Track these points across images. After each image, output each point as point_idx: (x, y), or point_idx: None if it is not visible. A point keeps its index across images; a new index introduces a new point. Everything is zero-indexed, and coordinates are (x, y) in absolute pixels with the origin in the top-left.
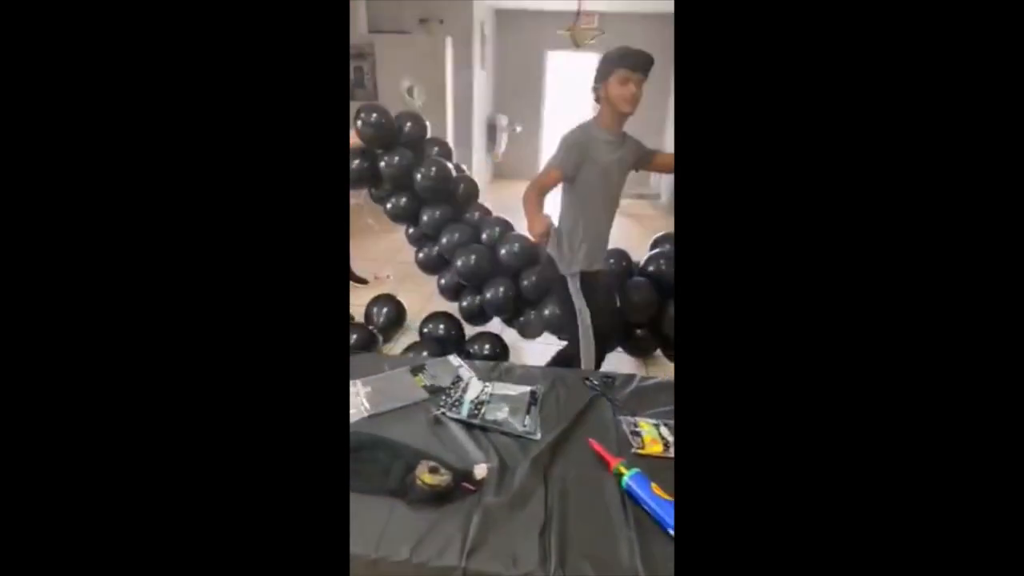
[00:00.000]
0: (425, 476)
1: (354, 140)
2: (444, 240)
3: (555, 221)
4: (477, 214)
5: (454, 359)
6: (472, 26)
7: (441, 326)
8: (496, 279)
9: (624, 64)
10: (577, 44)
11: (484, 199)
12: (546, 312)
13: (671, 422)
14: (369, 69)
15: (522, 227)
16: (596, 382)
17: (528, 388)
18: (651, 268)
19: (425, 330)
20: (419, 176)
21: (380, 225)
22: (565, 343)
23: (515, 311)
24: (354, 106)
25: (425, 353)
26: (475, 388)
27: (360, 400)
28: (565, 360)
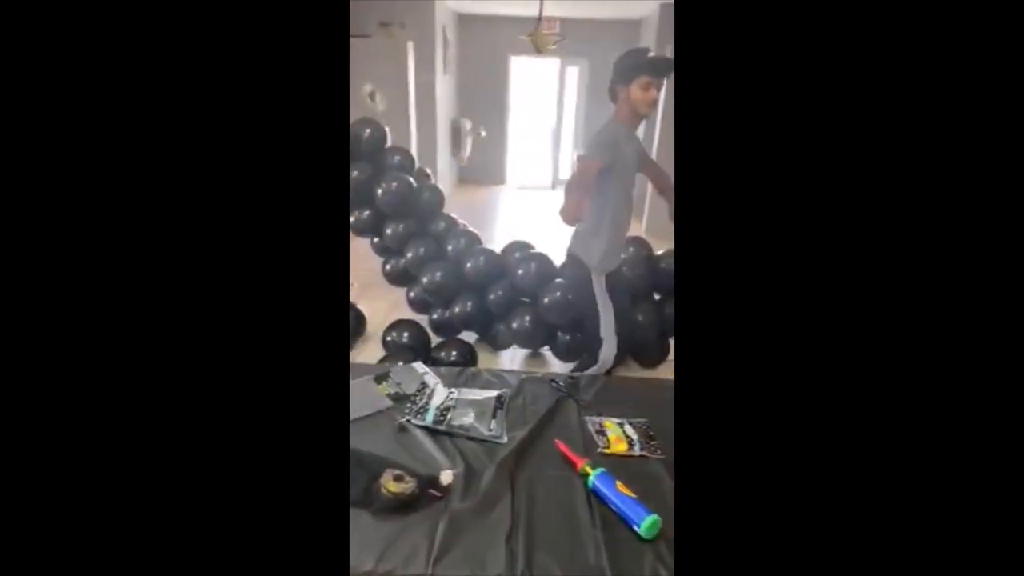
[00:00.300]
0: (389, 484)
1: None
2: (409, 255)
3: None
4: (443, 224)
5: (419, 366)
6: (434, 30)
7: (406, 334)
8: (463, 294)
9: (648, 71)
10: (539, 50)
11: (450, 204)
12: (514, 325)
13: (635, 420)
14: None
15: (487, 237)
16: (562, 384)
17: (495, 392)
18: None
19: (389, 338)
20: (380, 191)
21: None
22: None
23: (484, 325)
24: None
25: (401, 362)
26: (441, 394)
27: None
28: (586, 365)
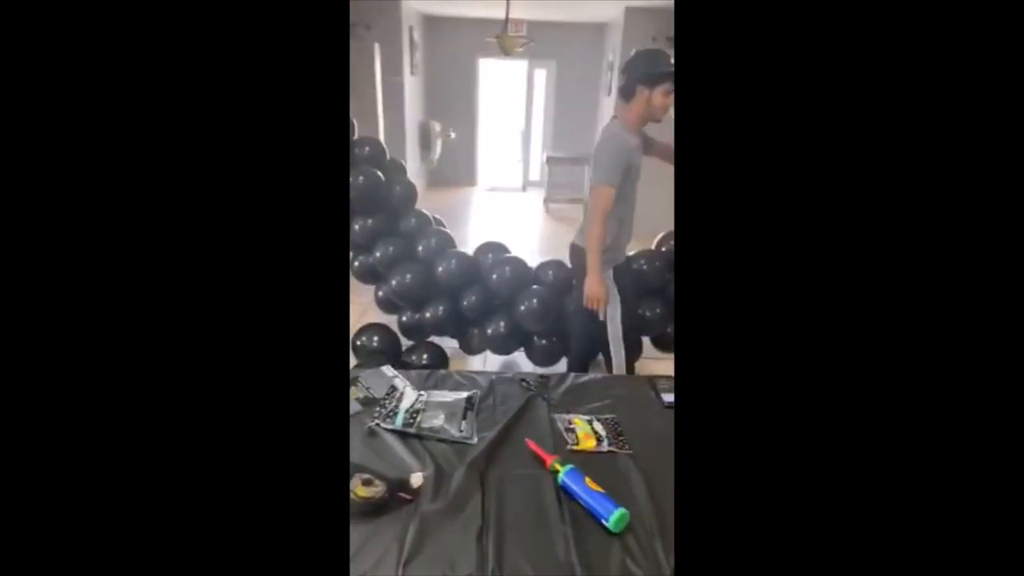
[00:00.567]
0: (358, 489)
1: None
2: (378, 254)
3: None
4: (414, 220)
5: (388, 369)
6: (400, 31)
7: (375, 338)
8: (435, 298)
9: (671, 78)
10: (506, 52)
11: (420, 206)
12: (489, 331)
13: (603, 416)
14: None
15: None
16: (532, 383)
17: (465, 394)
18: None
19: (359, 343)
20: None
21: None
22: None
23: (457, 330)
24: None
25: (388, 367)
26: (410, 397)
27: None
28: (581, 362)
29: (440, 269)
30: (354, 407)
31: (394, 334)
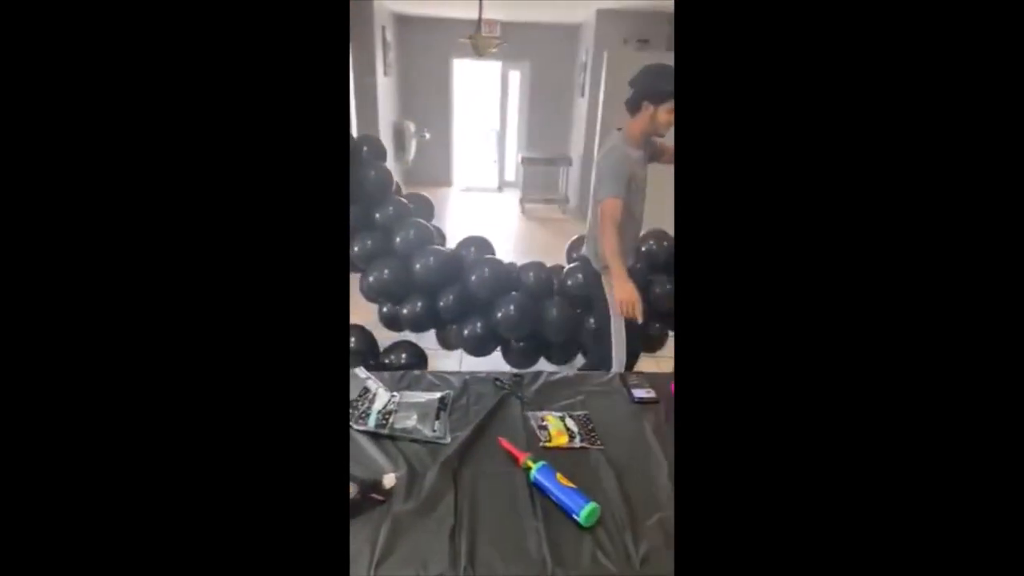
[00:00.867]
0: None
1: None
2: (356, 248)
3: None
4: (392, 209)
5: (361, 371)
6: (373, 31)
7: (351, 338)
8: (412, 296)
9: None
10: (479, 52)
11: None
12: (465, 332)
13: (576, 413)
14: None
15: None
16: (505, 382)
17: (438, 394)
18: (569, 282)
19: None
20: None
21: None
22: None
23: (435, 327)
24: None
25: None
26: (382, 398)
27: None
28: (596, 364)
29: (418, 266)
30: None
31: (371, 334)
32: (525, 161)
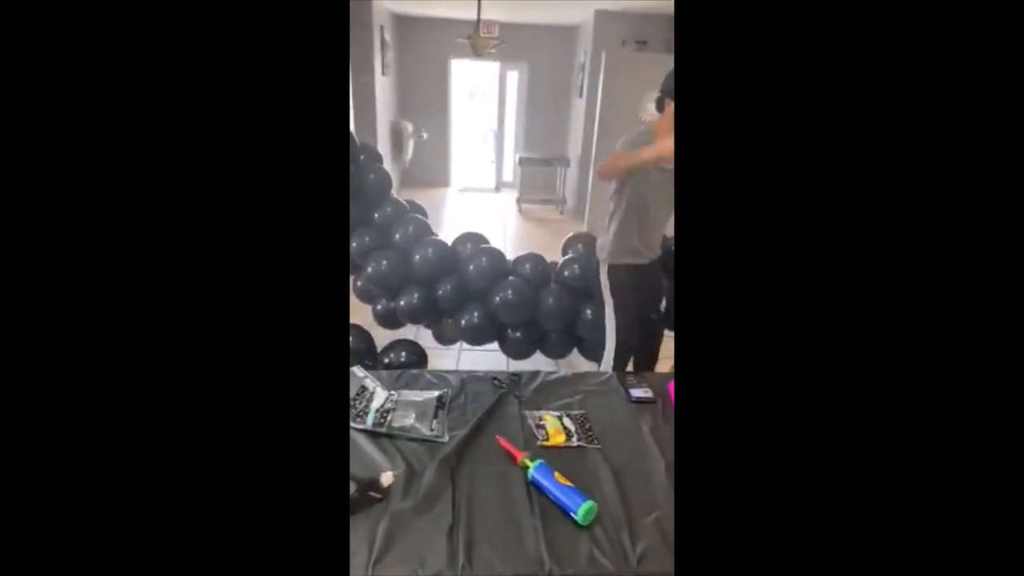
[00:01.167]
0: None
1: None
2: (354, 244)
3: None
4: (390, 209)
5: (358, 370)
6: (371, 30)
7: (350, 338)
8: (410, 286)
9: None
10: (478, 53)
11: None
12: (463, 322)
13: (573, 412)
14: None
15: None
16: (503, 381)
17: (436, 393)
18: (566, 273)
19: None
20: None
21: None
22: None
23: (432, 319)
24: None
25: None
26: (380, 397)
27: None
28: (620, 359)
29: (417, 257)
30: None
31: (368, 333)
32: (523, 161)
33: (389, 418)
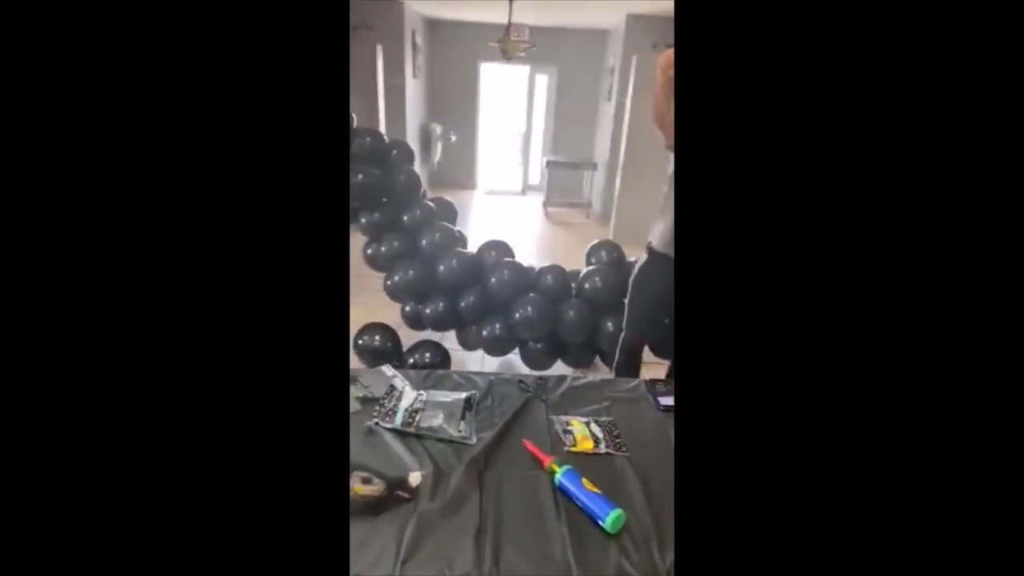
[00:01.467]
0: (357, 487)
1: None
2: (383, 248)
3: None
4: (419, 212)
5: (387, 369)
6: (403, 34)
7: (377, 337)
8: (435, 295)
9: None
10: (508, 56)
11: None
12: (485, 332)
13: (601, 419)
14: None
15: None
16: (530, 384)
17: (463, 394)
18: (587, 285)
19: (360, 342)
20: None
21: None
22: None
23: (456, 327)
24: None
25: (388, 366)
26: (409, 397)
27: None
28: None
29: (442, 267)
30: (353, 406)
31: (395, 333)
32: (550, 165)
33: (418, 418)
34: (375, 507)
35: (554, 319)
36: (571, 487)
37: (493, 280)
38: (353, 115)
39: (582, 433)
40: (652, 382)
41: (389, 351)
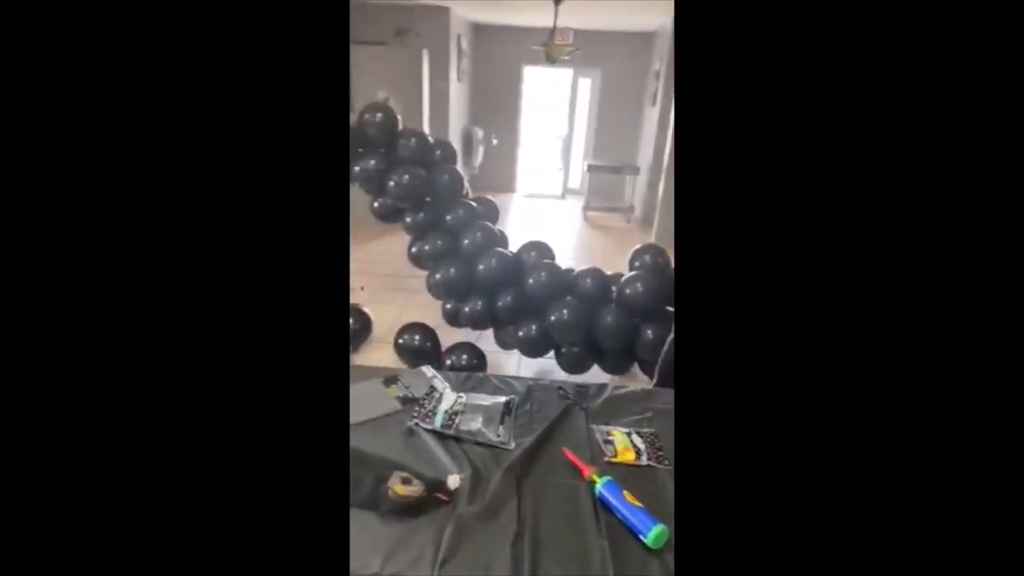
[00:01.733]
0: (397, 487)
1: None
2: (427, 247)
3: None
4: (462, 212)
5: (428, 370)
6: (449, 39)
7: (416, 337)
8: (473, 294)
9: None
10: (552, 59)
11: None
12: (520, 333)
13: (643, 430)
14: None
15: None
16: (569, 392)
17: (503, 398)
18: (627, 291)
19: (400, 341)
20: (392, 184)
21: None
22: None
23: (493, 326)
24: None
25: (428, 367)
26: (449, 399)
27: None
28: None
29: (481, 267)
30: (393, 405)
31: (435, 333)
32: (591, 169)
33: (457, 420)
34: (414, 508)
35: (591, 324)
36: (612, 499)
37: (531, 281)
38: (399, 117)
39: (623, 444)
40: None
41: (428, 351)
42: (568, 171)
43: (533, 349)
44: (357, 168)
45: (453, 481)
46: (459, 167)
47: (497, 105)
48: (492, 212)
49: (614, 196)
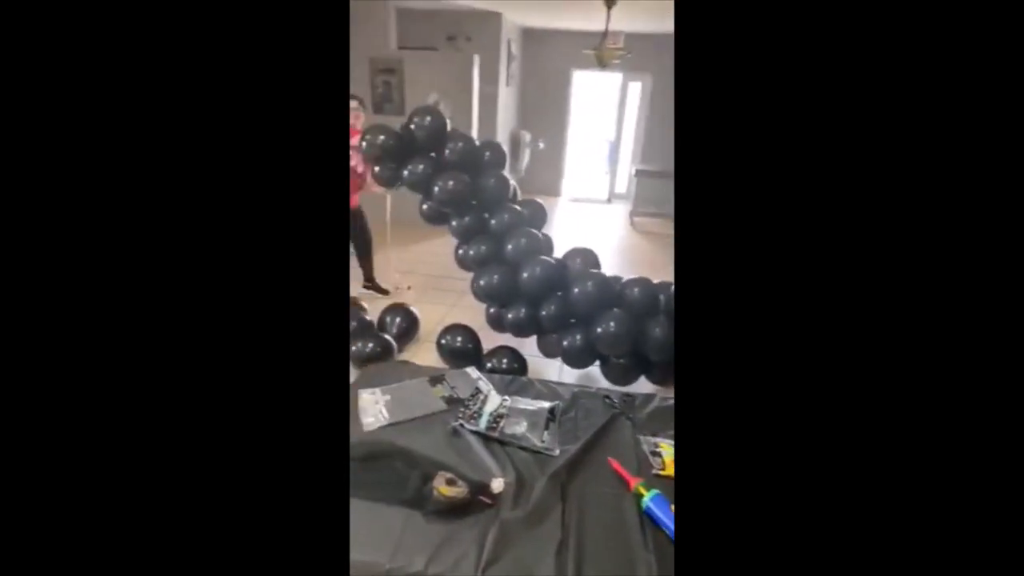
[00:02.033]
0: (442, 488)
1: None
2: (471, 252)
3: None
4: (507, 216)
5: (473, 371)
6: (499, 44)
7: (459, 338)
8: (517, 301)
9: None
10: (602, 64)
11: None
12: (565, 343)
13: None
14: (397, 84)
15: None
16: (616, 400)
17: (547, 404)
18: None
19: (443, 341)
20: (436, 189)
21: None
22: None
23: (536, 334)
24: (380, 119)
25: (473, 369)
26: (494, 401)
27: (379, 409)
28: None
29: (525, 275)
30: (439, 405)
31: (476, 335)
32: (639, 174)
33: (501, 424)
34: (458, 509)
35: (638, 336)
36: (659, 513)
37: (576, 290)
38: (448, 121)
39: (672, 456)
40: None
41: (470, 352)
42: (615, 176)
43: (578, 360)
44: (406, 172)
45: (497, 484)
46: (506, 171)
47: (545, 109)
48: (539, 215)
49: (661, 201)
